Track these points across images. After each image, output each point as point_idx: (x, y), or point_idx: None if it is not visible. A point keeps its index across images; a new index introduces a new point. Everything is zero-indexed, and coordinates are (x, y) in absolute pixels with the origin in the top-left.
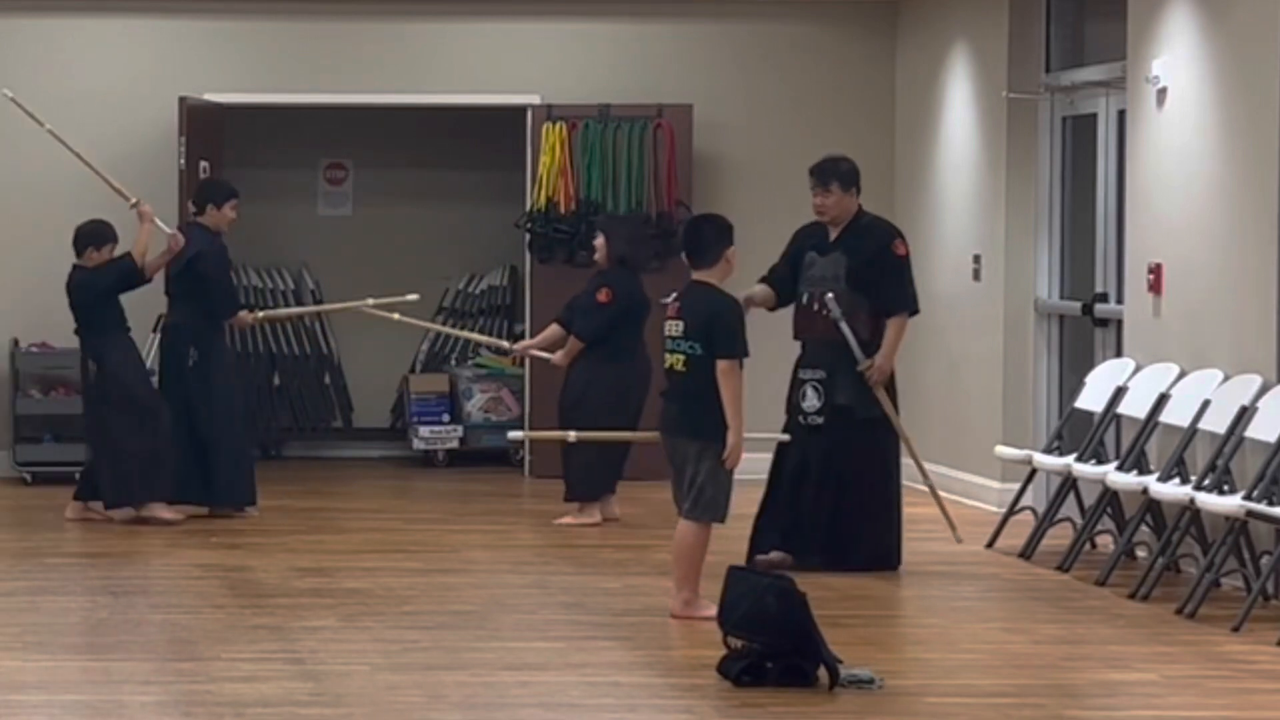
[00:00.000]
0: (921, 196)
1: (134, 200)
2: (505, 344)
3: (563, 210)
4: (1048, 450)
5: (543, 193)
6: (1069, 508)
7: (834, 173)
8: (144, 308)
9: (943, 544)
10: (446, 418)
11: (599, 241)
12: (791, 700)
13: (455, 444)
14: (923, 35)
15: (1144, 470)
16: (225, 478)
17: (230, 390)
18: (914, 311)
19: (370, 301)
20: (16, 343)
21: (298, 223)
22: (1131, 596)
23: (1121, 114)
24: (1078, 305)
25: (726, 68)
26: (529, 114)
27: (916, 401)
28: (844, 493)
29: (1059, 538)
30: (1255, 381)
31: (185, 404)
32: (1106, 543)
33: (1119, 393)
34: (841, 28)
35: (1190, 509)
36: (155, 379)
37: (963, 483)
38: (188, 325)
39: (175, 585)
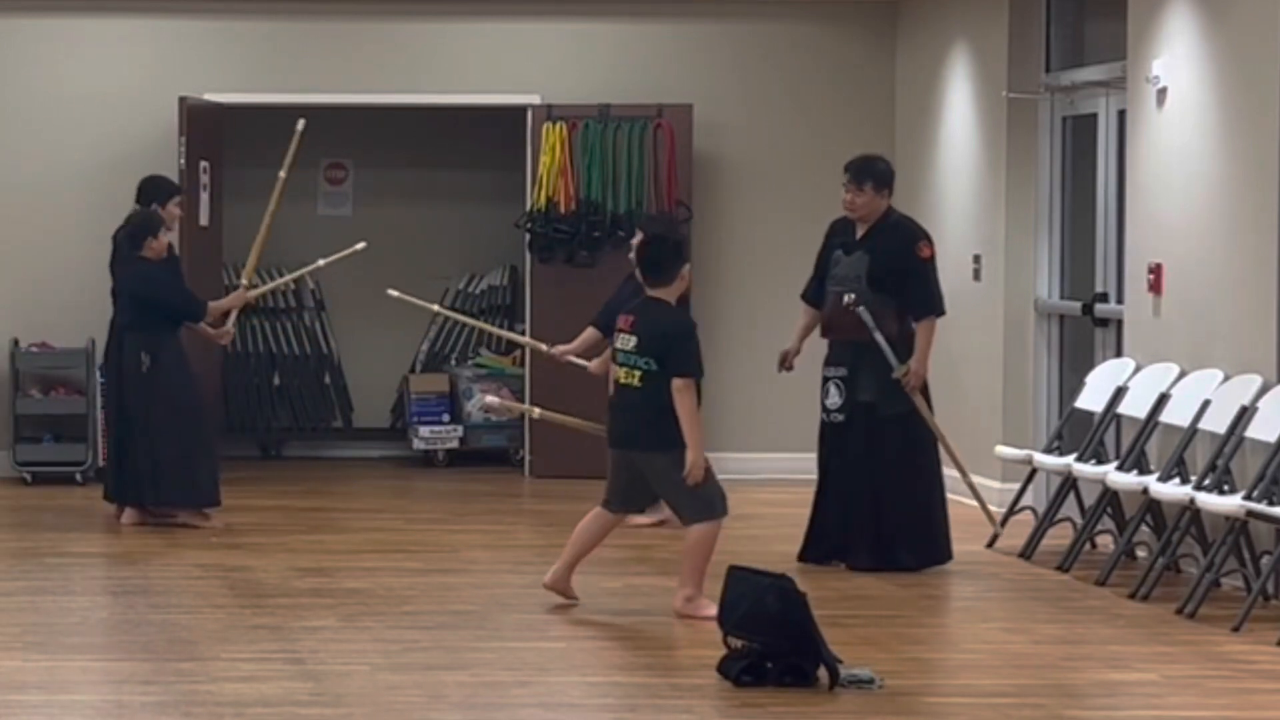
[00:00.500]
0: (921, 196)
1: (249, 283)
2: (544, 346)
3: (563, 210)
4: (1048, 450)
5: (543, 193)
6: (1069, 508)
7: (870, 172)
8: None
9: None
10: (446, 418)
11: (635, 241)
12: (791, 700)
13: (455, 444)
14: (923, 35)
15: (1144, 470)
16: (186, 479)
17: (187, 391)
18: (940, 313)
19: (322, 262)
20: (16, 343)
21: (298, 223)
22: (1131, 596)
23: (1121, 114)
24: (1078, 305)
25: (726, 68)
26: (529, 114)
27: None
28: (881, 491)
29: (1059, 538)
30: (1255, 381)
31: (143, 408)
32: (1106, 543)
33: (1119, 393)
34: (841, 28)
35: (1190, 509)
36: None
37: (963, 482)
38: (138, 329)
39: (175, 585)
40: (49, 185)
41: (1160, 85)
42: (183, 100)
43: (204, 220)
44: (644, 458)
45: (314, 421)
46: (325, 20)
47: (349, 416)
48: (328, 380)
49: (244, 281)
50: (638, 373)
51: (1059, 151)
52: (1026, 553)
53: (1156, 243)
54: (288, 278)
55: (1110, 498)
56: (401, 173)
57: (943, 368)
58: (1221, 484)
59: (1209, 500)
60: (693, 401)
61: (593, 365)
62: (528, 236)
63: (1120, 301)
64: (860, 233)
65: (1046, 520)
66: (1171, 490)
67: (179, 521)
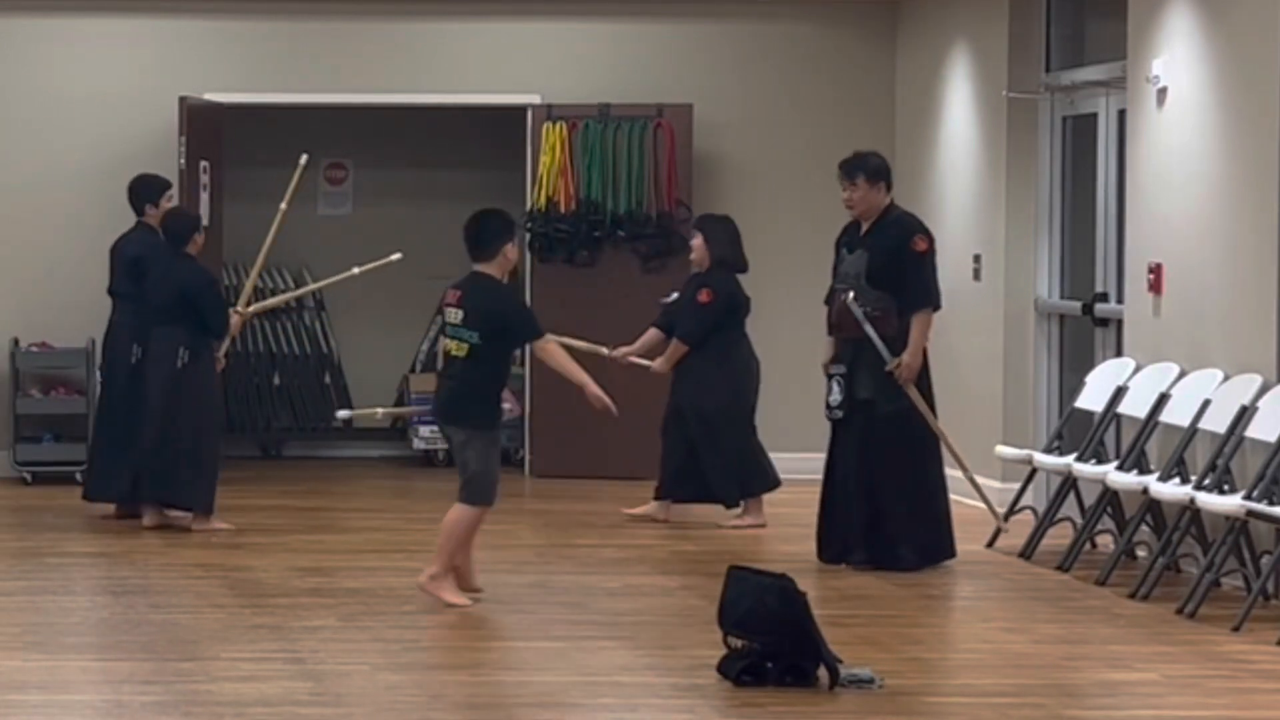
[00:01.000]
0: (922, 196)
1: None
2: (604, 350)
3: (563, 210)
4: (1048, 450)
5: (543, 193)
6: (1069, 508)
7: (860, 166)
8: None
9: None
10: None
11: (696, 242)
12: (791, 700)
13: None
14: (923, 35)
15: (1144, 470)
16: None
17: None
18: (936, 307)
19: (356, 270)
20: (16, 342)
21: (298, 223)
22: (1131, 596)
23: (1121, 114)
24: (1078, 305)
25: (726, 68)
26: (529, 114)
27: None
28: (879, 488)
29: (1059, 538)
30: (1255, 381)
31: (130, 402)
32: (1106, 543)
33: (1119, 392)
34: (841, 28)
35: (1190, 509)
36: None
37: (963, 482)
38: (131, 324)
39: (175, 585)
40: (49, 185)
41: (1160, 85)
42: (183, 100)
43: (204, 220)
44: (450, 429)
45: (314, 421)
46: (325, 20)
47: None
48: (328, 380)
49: (239, 307)
50: (465, 346)
51: (1059, 151)
52: (1026, 553)
53: (1156, 243)
54: (318, 285)
55: (1110, 498)
56: (401, 173)
57: (943, 368)
58: (1221, 484)
59: (1209, 500)
60: (559, 353)
61: (656, 364)
62: (528, 236)
63: (1120, 301)
64: (864, 230)
65: (1046, 520)
66: (1171, 490)
67: (158, 523)
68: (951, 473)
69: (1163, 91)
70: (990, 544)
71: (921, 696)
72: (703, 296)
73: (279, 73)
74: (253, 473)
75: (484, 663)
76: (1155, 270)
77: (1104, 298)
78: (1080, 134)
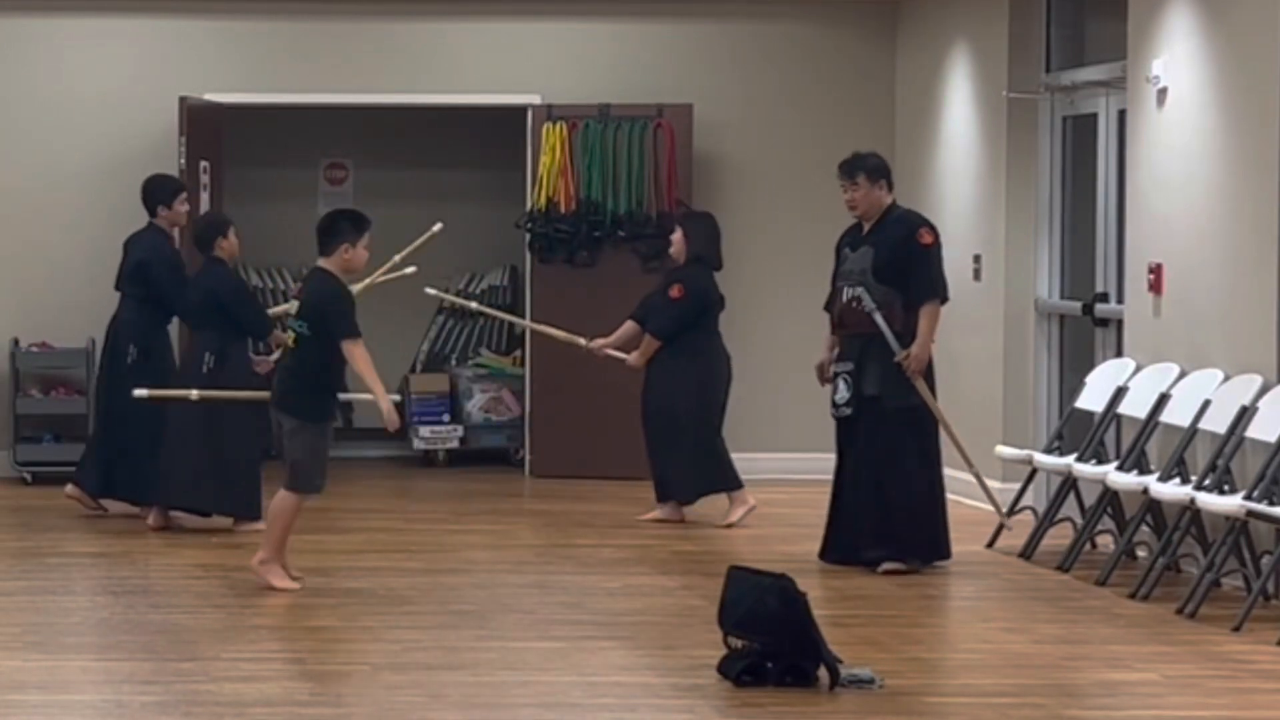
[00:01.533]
0: (922, 196)
1: None
2: (581, 341)
3: (563, 210)
4: (1048, 450)
5: (543, 193)
6: (1069, 508)
7: (859, 166)
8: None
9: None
10: (447, 418)
11: (676, 236)
12: (791, 700)
13: (456, 444)
14: (923, 35)
15: (1144, 470)
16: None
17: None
18: (944, 299)
19: (397, 258)
20: (17, 342)
21: (298, 223)
22: (1131, 596)
23: (1121, 114)
24: (1078, 305)
25: (726, 68)
26: (529, 114)
27: None
28: (888, 485)
29: (1059, 538)
30: (1255, 381)
31: (123, 401)
32: (1106, 543)
33: (1119, 393)
34: (841, 28)
35: (1190, 509)
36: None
37: (963, 482)
38: (131, 322)
39: (175, 585)
40: (49, 185)
41: (1160, 85)
42: (183, 100)
43: None
44: (282, 416)
45: None
46: (325, 20)
47: (349, 416)
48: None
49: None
50: (293, 335)
51: (1059, 151)
52: (1026, 553)
53: (1156, 243)
54: (382, 277)
55: (1110, 498)
56: (401, 173)
57: (943, 368)
58: (1221, 484)
59: (1209, 500)
60: (364, 358)
61: (631, 358)
62: (528, 236)
63: (1120, 301)
64: (866, 229)
65: (1046, 520)
66: (1172, 490)
67: (161, 525)
68: (956, 473)
69: (1163, 91)
70: (990, 544)
71: (921, 696)
72: (674, 292)
73: (279, 73)
74: None
75: (484, 663)
76: (1155, 270)
77: (1104, 298)
78: (1080, 134)
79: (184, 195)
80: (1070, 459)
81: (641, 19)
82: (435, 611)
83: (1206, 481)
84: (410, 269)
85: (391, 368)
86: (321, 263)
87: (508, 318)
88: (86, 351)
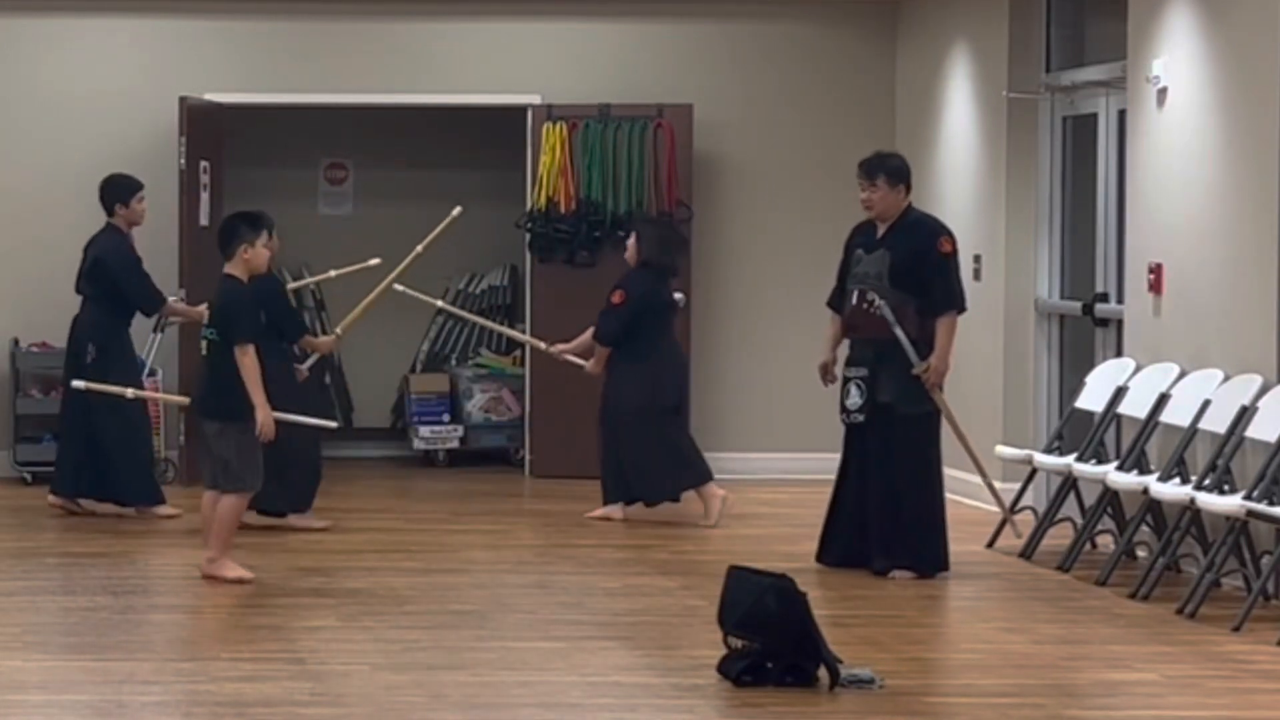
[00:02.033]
0: (922, 196)
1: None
2: (543, 344)
3: (563, 210)
4: (1048, 450)
5: (543, 193)
6: (1069, 508)
7: (881, 167)
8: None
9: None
10: (447, 418)
11: (630, 241)
12: (791, 700)
13: (455, 444)
14: (923, 35)
15: (1144, 470)
16: (123, 476)
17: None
18: (961, 309)
19: (333, 273)
20: (17, 342)
21: (298, 223)
22: (1131, 596)
23: (1121, 114)
24: (1078, 305)
25: (726, 68)
26: (529, 114)
27: None
28: (899, 493)
29: (1059, 538)
30: (1255, 381)
31: (82, 400)
32: (1106, 543)
33: (1119, 393)
34: (841, 28)
35: (1190, 509)
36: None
37: (963, 483)
38: (90, 322)
39: (175, 585)
40: (49, 185)
41: (1160, 85)
42: (183, 100)
43: (204, 220)
44: (204, 422)
45: None
46: (325, 20)
47: (349, 416)
48: (328, 380)
49: (338, 331)
50: (206, 342)
51: (1059, 151)
52: (1026, 553)
53: (1156, 243)
54: (293, 285)
55: (1110, 498)
56: (401, 173)
57: None
58: (1221, 484)
59: (1209, 500)
60: (251, 364)
61: (590, 364)
62: (528, 236)
63: (1120, 301)
64: (881, 231)
65: (1046, 520)
66: (1172, 490)
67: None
68: (956, 472)
69: (1163, 92)
70: (990, 544)
71: (921, 696)
72: (615, 297)
73: (279, 73)
74: None
75: (484, 663)
76: (1155, 270)
77: (1104, 298)
78: (1080, 134)
79: (141, 194)
80: (1070, 459)
81: (641, 19)
82: (435, 611)
83: (1206, 481)
84: (374, 260)
85: (391, 368)
86: (226, 268)
87: (471, 317)
88: None
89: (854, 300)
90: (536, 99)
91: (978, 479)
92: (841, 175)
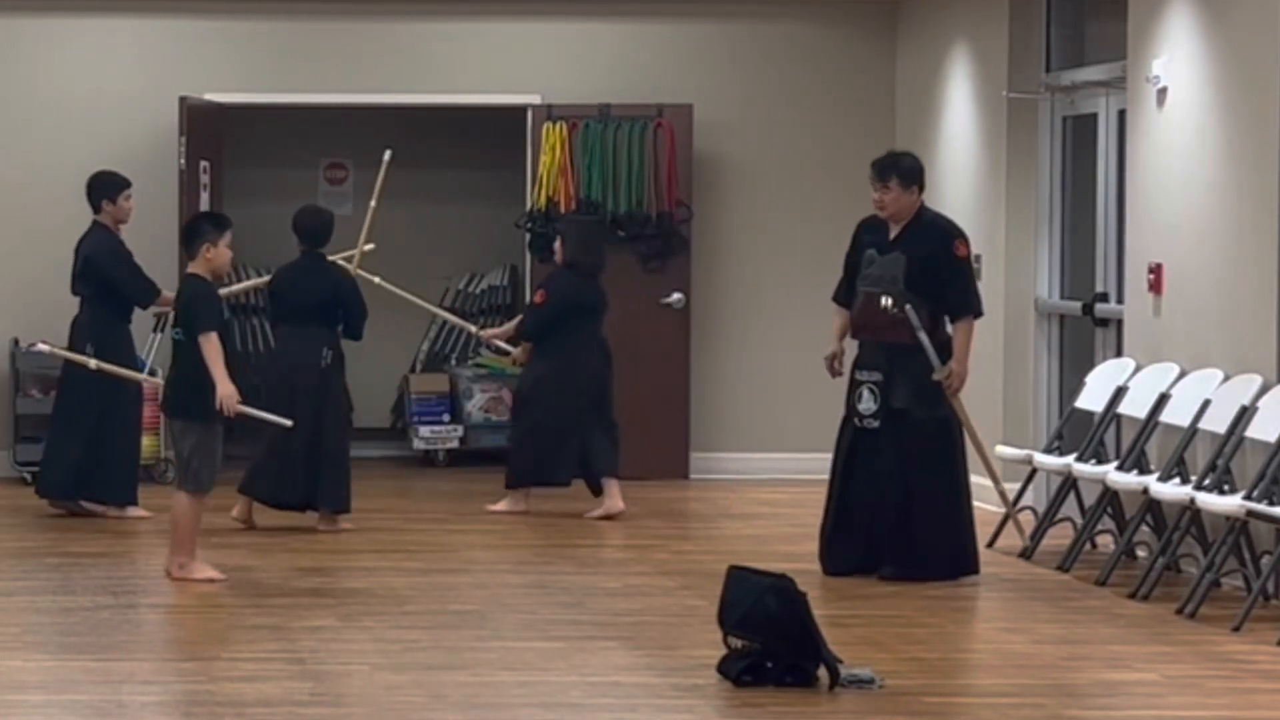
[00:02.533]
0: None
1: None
2: (472, 328)
3: (563, 210)
4: (1048, 450)
5: (543, 193)
6: (1069, 508)
7: (894, 168)
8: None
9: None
10: (447, 418)
11: (557, 244)
12: (791, 700)
13: (455, 444)
14: (923, 35)
15: (1144, 470)
16: (114, 476)
17: (122, 389)
18: (978, 314)
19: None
20: (17, 342)
21: None
22: (1131, 596)
23: (1121, 114)
24: (1078, 305)
25: (726, 68)
26: (529, 114)
27: None
28: (911, 499)
29: (1059, 538)
30: (1255, 381)
31: (80, 401)
32: (1106, 543)
33: (1119, 392)
34: (841, 28)
35: (1190, 509)
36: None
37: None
38: (87, 323)
39: (175, 585)
40: (49, 185)
41: (1160, 85)
42: (183, 100)
43: None
44: (172, 420)
45: None
46: (325, 20)
47: (349, 416)
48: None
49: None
50: (175, 342)
51: (1059, 151)
52: (1026, 553)
53: (1156, 243)
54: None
55: (1110, 498)
56: (401, 173)
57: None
58: (1221, 484)
59: (1209, 500)
60: (214, 349)
61: (515, 353)
62: (528, 236)
63: (1120, 301)
64: (894, 232)
65: (1046, 520)
66: (1171, 490)
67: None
68: (975, 478)
69: (1163, 91)
70: (990, 544)
71: (921, 696)
72: (537, 297)
73: (279, 73)
74: None
75: (484, 663)
76: (1155, 270)
77: (1104, 298)
78: (1080, 134)
79: (129, 192)
80: (1070, 459)
81: (641, 19)
82: (435, 611)
83: (1206, 481)
84: (369, 246)
85: (391, 368)
86: (189, 267)
87: (411, 298)
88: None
89: (865, 301)
90: (536, 99)
91: (976, 478)
92: (841, 175)
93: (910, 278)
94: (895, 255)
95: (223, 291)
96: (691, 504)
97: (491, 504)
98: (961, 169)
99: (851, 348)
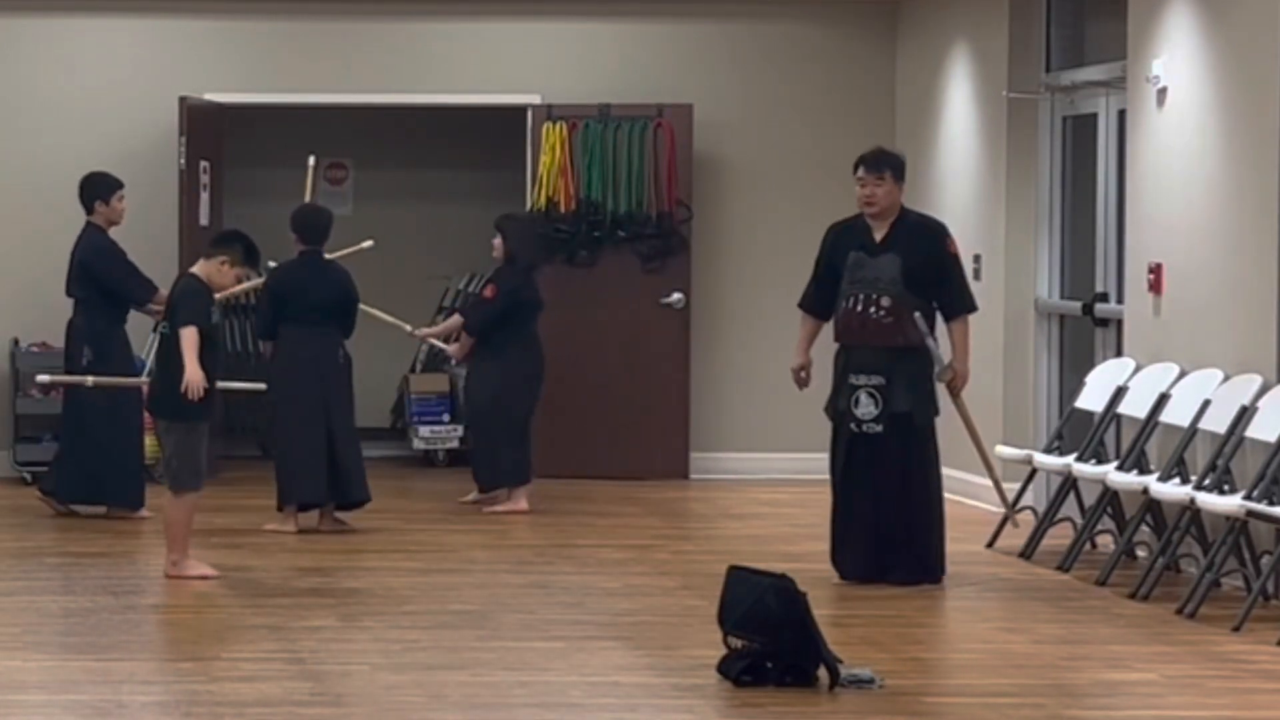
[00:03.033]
0: (922, 196)
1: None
2: (407, 327)
3: (563, 210)
4: (1048, 450)
5: (543, 193)
6: (1069, 508)
7: (887, 162)
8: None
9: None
10: (446, 418)
11: (497, 240)
12: (791, 700)
13: (455, 444)
14: (923, 35)
15: (1144, 470)
16: (127, 480)
17: (126, 392)
18: (974, 309)
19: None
20: (17, 342)
21: None
22: (1131, 596)
23: (1121, 114)
24: (1078, 305)
25: (726, 68)
26: (529, 114)
27: None
28: (915, 503)
29: (1059, 538)
30: (1255, 381)
31: (79, 403)
32: (1106, 543)
33: (1119, 392)
34: (841, 28)
35: (1190, 509)
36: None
37: (963, 483)
38: (83, 326)
39: (175, 585)
40: (49, 185)
41: (1160, 85)
42: (183, 100)
43: (204, 220)
44: (157, 419)
45: None
46: (325, 20)
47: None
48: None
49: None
50: (161, 336)
51: (1059, 151)
52: (1026, 553)
53: (1156, 243)
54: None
55: (1110, 498)
56: (401, 173)
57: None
58: (1221, 484)
59: (1209, 500)
60: (190, 340)
61: (453, 349)
62: None
63: (1120, 301)
64: (881, 233)
65: (1046, 520)
66: (1171, 490)
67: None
68: (956, 471)
69: (1163, 91)
70: (990, 544)
71: (921, 696)
72: (487, 291)
73: (279, 73)
74: (253, 473)
75: (484, 663)
76: (1155, 270)
77: (1104, 298)
78: (1080, 134)
79: (121, 193)
80: (1070, 459)
81: (641, 19)
82: (435, 611)
83: (1206, 481)
84: (368, 243)
85: (391, 368)
86: (194, 267)
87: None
88: None
89: (858, 306)
90: (536, 99)
91: (975, 479)
92: (841, 175)
93: (909, 278)
94: (890, 257)
95: (219, 295)
96: (691, 504)
97: (491, 505)
98: (961, 169)
99: (818, 357)
